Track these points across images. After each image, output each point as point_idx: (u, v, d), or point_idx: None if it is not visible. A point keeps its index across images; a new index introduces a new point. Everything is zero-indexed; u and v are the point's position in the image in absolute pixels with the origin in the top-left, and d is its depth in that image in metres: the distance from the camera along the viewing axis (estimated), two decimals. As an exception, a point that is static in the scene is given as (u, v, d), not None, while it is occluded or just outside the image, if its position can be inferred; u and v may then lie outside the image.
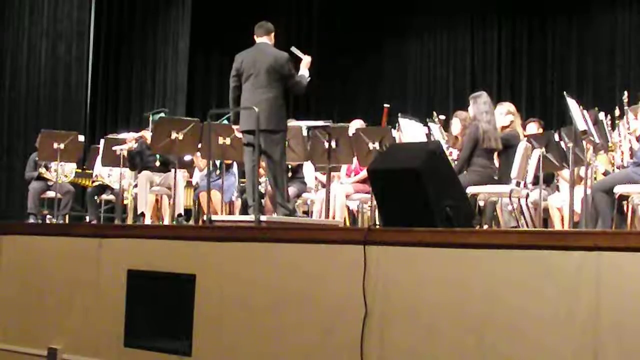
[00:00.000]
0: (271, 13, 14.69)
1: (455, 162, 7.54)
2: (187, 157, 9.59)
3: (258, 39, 7.27)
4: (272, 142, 7.02)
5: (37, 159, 10.12)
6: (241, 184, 10.05)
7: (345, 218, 9.00)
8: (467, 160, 7.40)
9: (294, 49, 7.40)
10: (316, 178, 9.82)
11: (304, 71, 7.30)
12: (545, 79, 14.58)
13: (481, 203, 7.75)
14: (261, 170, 7.84)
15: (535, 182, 7.72)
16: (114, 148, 9.37)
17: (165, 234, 6.12)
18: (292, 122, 8.25)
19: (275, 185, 7.10)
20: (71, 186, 10.46)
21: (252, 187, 7.07)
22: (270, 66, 7.04)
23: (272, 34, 7.30)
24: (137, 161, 9.47)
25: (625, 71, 13.57)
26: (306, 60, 7.36)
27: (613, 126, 7.76)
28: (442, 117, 8.78)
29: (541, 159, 7.44)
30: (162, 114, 9.52)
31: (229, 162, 9.53)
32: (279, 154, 7.05)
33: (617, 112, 7.87)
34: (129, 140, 9.39)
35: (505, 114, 7.85)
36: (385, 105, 9.12)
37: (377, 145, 7.74)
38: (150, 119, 9.49)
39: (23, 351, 6.51)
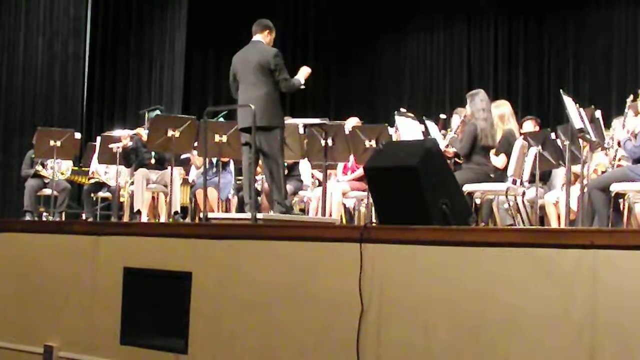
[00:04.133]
0: (269, 11, 14.67)
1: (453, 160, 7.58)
2: (185, 155, 9.59)
3: (253, 37, 7.28)
4: (267, 138, 7.01)
5: (33, 156, 10.10)
6: (238, 182, 10.05)
7: (341, 216, 9.01)
8: (467, 157, 7.42)
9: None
10: (313, 175, 9.83)
11: (299, 76, 7.28)
12: (542, 77, 14.59)
13: (477, 201, 7.75)
14: (258, 169, 7.84)
15: (532, 180, 7.73)
16: (110, 146, 9.36)
17: (162, 231, 6.11)
18: (288, 120, 8.24)
19: (272, 181, 7.09)
20: (67, 183, 10.45)
21: (249, 184, 7.07)
22: (258, 63, 7.04)
23: (267, 31, 7.27)
24: (132, 158, 9.46)
25: (621, 69, 13.59)
26: (305, 70, 7.33)
27: (607, 125, 7.75)
28: (443, 116, 8.76)
29: (537, 157, 7.45)
30: (158, 112, 9.51)
31: (226, 160, 9.53)
32: (275, 151, 7.03)
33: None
34: (123, 137, 9.38)
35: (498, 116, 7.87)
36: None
37: (373, 143, 7.74)
38: (146, 116, 9.49)
39: (19, 348, 6.50)
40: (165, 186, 9.16)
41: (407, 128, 7.85)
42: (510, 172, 7.53)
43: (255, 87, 7.03)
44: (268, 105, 6.99)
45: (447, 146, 7.72)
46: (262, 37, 7.24)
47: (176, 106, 14.66)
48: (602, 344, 3.90)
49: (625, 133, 6.85)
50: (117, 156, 9.19)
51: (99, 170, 10.13)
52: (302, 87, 7.30)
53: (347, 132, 8.11)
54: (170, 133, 8.22)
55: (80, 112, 14.00)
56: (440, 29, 15.97)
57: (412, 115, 8.12)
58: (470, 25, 15.55)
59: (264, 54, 7.08)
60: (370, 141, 7.77)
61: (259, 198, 8.36)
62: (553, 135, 7.78)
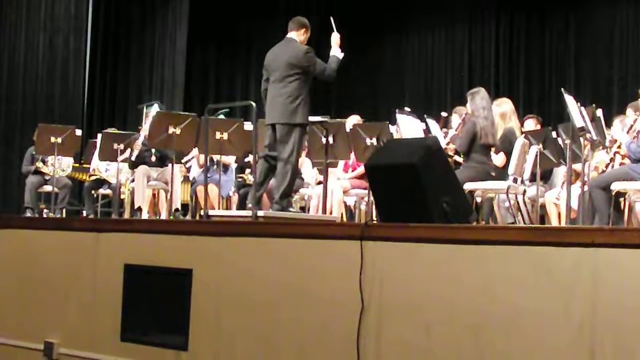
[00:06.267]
0: (270, 10, 14.68)
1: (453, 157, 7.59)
2: (188, 158, 9.59)
3: (288, 34, 7.27)
4: (282, 138, 6.98)
5: (34, 152, 10.11)
6: (238, 179, 10.06)
7: (342, 214, 9.00)
8: (466, 154, 7.43)
9: (332, 20, 7.36)
10: (318, 171, 9.81)
11: (334, 50, 7.26)
12: (543, 76, 14.57)
13: (478, 199, 7.75)
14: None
15: (533, 179, 7.73)
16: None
17: (162, 228, 6.12)
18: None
19: (278, 182, 7.06)
20: (68, 180, 10.45)
21: (255, 180, 7.09)
22: (287, 61, 7.03)
23: (303, 29, 7.27)
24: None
25: (623, 68, 13.57)
26: (335, 39, 7.31)
27: (608, 124, 7.75)
28: (444, 114, 8.77)
29: (538, 155, 7.45)
30: (156, 107, 9.50)
31: (228, 163, 9.54)
32: (288, 153, 6.97)
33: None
34: (135, 147, 9.31)
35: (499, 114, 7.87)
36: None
37: (374, 140, 7.74)
38: (144, 111, 9.48)
39: (20, 345, 6.51)
40: (166, 183, 9.15)
41: (408, 126, 7.85)
42: (511, 170, 7.53)
43: (280, 84, 7.03)
44: (290, 102, 6.98)
45: (448, 144, 7.72)
46: (297, 35, 7.23)
47: (177, 103, 14.66)
48: (602, 342, 3.90)
49: (626, 134, 6.85)
50: (118, 153, 9.15)
51: (99, 167, 10.12)
52: (342, 55, 7.25)
53: (348, 129, 8.10)
54: (171, 130, 8.21)
55: (81, 109, 14.00)
56: (441, 26, 15.94)
57: (413, 113, 8.13)
58: (472, 23, 15.53)
59: (295, 52, 7.07)
60: (371, 139, 7.77)
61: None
62: (554, 134, 7.79)
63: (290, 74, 7.01)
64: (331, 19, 7.34)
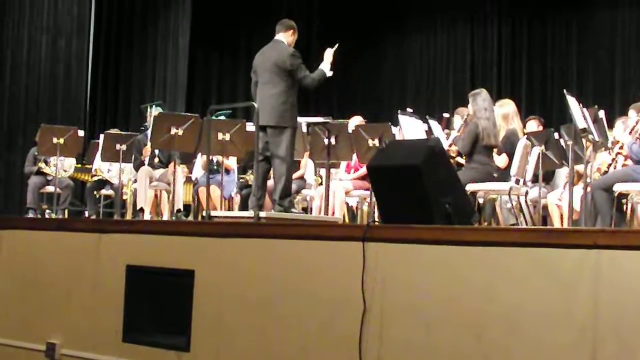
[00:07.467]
0: (271, 10, 14.68)
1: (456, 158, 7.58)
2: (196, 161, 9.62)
3: (275, 36, 7.29)
4: (275, 138, 7.01)
5: (36, 153, 10.11)
6: (240, 180, 10.06)
7: (344, 215, 9.00)
8: (468, 155, 7.43)
9: (337, 45, 7.42)
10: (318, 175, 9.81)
11: (324, 65, 7.28)
12: (545, 77, 14.57)
13: (480, 200, 7.75)
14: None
15: (535, 180, 7.72)
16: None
17: (164, 229, 6.12)
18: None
19: (275, 181, 7.09)
20: (70, 181, 10.45)
21: (255, 182, 7.10)
22: (274, 62, 7.06)
23: (291, 31, 7.29)
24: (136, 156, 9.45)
25: (625, 69, 13.57)
26: (329, 54, 7.33)
27: (610, 125, 7.75)
28: (446, 115, 8.76)
29: (541, 156, 7.44)
30: (159, 108, 9.49)
31: (230, 169, 9.53)
32: (283, 151, 7.01)
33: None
34: (146, 152, 9.31)
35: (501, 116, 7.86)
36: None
37: (376, 141, 7.74)
38: (148, 111, 9.48)
39: (21, 346, 6.51)
40: (169, 184, 9.16)
41: (410, 127, 7.85)
42: (513, 171, 7.53)
43: (269, 86, 7.05)
44: (279, 105, 7.00)
45: (450, 145, 7.72)
46: (285, 37, 7.24)
47: (179, 104, 14.66)
48: (604, 343, 3.90)
49: (628, 135, 6.84)
50: (120, 154, 9.16)
51: (102, 167, 10.12)
52: (330, 73, 7.28)
53: (350, 131, 8.10)
54: (173, 131, 8.21)
55: (84, 109, 14.01)
56: (443, 27, 15.95)
57: (415, 114, 8.12)
58: (474, 24, 15.53)
59: (281, 53, 7.09)
60: (373, 140, 7.76)
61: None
62: (556, 135, 7.78)
63: (278, 76, 7.03)
64: (337, 44, 7.39)
